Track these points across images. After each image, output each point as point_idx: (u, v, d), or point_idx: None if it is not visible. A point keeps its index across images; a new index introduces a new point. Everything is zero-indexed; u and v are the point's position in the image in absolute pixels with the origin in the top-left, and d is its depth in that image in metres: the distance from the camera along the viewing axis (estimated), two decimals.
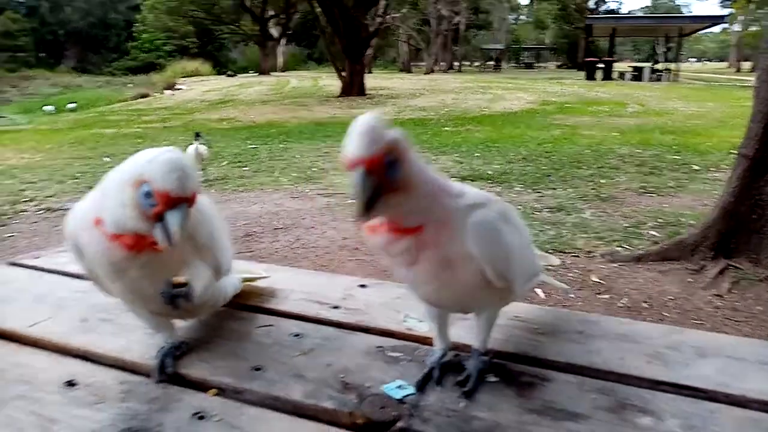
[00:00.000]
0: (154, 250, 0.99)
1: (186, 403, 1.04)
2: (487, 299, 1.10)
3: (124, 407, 1.03)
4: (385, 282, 1.64)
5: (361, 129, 0.90)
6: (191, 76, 38.37)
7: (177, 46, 52.95)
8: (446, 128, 13.14)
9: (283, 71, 44.87)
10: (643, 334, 1.29)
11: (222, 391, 1.08)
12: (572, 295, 4.22)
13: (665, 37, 35.66)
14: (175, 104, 21.81)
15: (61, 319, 1.39)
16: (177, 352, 1.19)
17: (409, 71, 49.04)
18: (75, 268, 1.69)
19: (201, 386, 1.10)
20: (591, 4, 56.78)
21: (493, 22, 60.81)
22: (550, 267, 1.75)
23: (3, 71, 50.57)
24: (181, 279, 1.04)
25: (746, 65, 52.83)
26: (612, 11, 66.14)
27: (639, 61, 55.31)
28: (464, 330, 1.28)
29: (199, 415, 1.00)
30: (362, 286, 1.58)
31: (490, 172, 8.29)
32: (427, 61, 49.32)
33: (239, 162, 9.73)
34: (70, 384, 1.11)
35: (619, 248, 5.18)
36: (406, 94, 21.82)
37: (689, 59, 75.72)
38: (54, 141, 13.19)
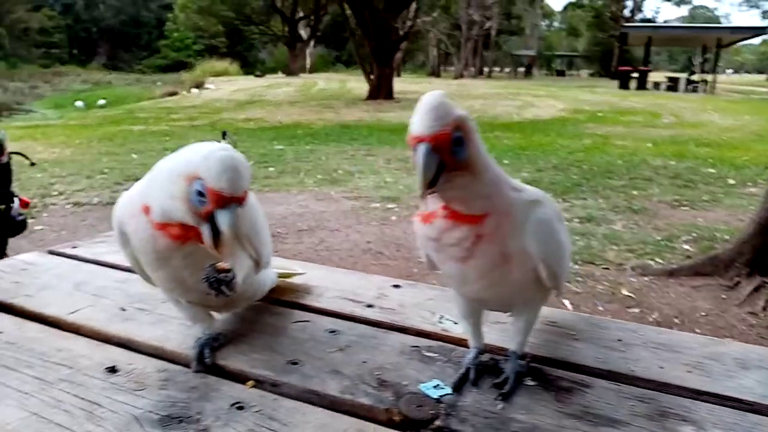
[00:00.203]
0: (198, 241, 1.00)
1: (224, 393, 1.06)
2: (532, 298, 1.10)
3: (164, 395, 1.05)
4: (418, 283, 1.65)
5: (427, 105, 0.88)
6: (220, 75, 38.90)
7: (207, 45, 53.84)
8: None
9: (311, 73, 45.21)
10: (683, 344, 1.27)
11: (259, 383, 1.09)
12: (601, 308, 4.17)
13: (703, 48, 35.04)
14: (203, 103, 22.12)
15: (100, 307, 1.42)
16: (215, 343, 1.20)
17: (437, 76, 49.06)
18: (113, 258, 1.75)
19: (239, 378, 1.12)
20: (626, 12, 56.01)
21: (525, 28, 60.44)
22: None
23: (37, 67, 51.96)
24: (224, 265, 1.05)
25: None
26: (648, 20, 65.20)
27: (674, 71, 54.44)
28: (497, 333, 1.28)
29: (238, 405, 1.01)
30: (396, 286, 1.59)
31: (519, 180, 8.22)
32: (456, 65, 49.26)
33: (265, 162, 9.81)
34: (112, 370, 1.13)
35: (651, 261, 5.10)
36: None
37: (726, 71, 74.21)
38: (83, 136, 13.48)
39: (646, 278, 4.73)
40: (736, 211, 6.77)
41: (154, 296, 1.43)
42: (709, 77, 32.07)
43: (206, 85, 30.84)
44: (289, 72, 40.64)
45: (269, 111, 18.69)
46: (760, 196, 5.06)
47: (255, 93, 25.31)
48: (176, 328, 1.30)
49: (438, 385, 1.07)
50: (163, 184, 0.99)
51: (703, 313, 4.13)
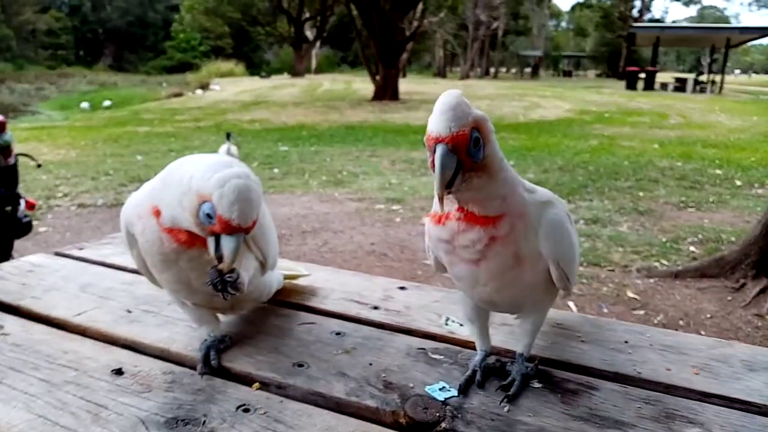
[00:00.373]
0: (204, 246, 1.01)
1: (230, 395, 1.06)
2: (542, 300, 1.09)
3: (170, 397, 1.05)
4: (424, 285, 1.65)
5: (445, 105, 0.88)
6: (225, 76, 39.02)
7: (212, 46, 54.02)
8: None
9: (317, 74, 45.29)
10: (690, 346, 1.26)
11: (265, 386, 1.09)
12: (606, 310, 4.15)
13: (711, 48, 34.88)
14: (208, 104, 22.20)
15: (106, 309, 1.42)
16: (221, 345, 1.20)
17: (443, 76, 49.05)
18: (119, 260, 1.75)
19: (245, 380, 1.12)
20: (635, 12, 55.85)
21: (532, 28, 60.31)
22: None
23: (43, 68, 52.23)
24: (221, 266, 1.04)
25: None
26: (656, 20, 64.96)
27: (682, 71, 54.22)
28: (504, 335, 1.28)
29: (244, 407, 1.01)
30: (401, 288, 1.58)
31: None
32: (462, 66, 49.22)
33: (269, 163, 9.84)
34: (118, 372, 1.13)
35: (657, 263, 5.08)
36: None
37: (734, 71, 73.82)
38: (89, 138, 13.54)
39: (651, 280, 4.72)
40: (743, 212, 6.74)
41: (160, 298, 1.43)
42: (717, 78, 31.92)
43: (211, 86, 30.95)
44: (295, 73, 40.71)
45: (274, 112, 18.73)
46: (767, 198, 5.03)
47: (260, 94, 25.37)
48: (182, 330, 1.30)
49: (444, 387, 1.07)
50: (176, 192, 0.98)
51: (709, 315, 4.12)
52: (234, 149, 8.14)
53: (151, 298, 1.46)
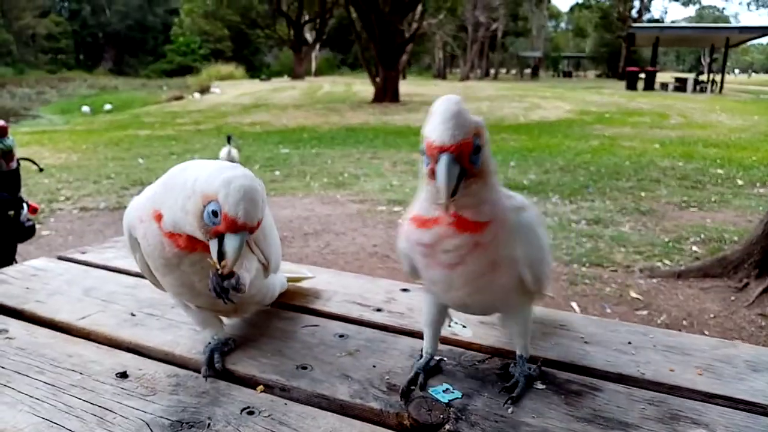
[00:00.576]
0: (205, 250, 1.01)
1: (235, 398, 1.06)
2: (516, 302, 1.09)
3: (175, 400, 1.05)
4: None
5: (448, 113, 0.87)
6: (225, 79, 39.06)
7: (212, 49, 54.12)
8: None
9: (316, 76, 45.36)
10: (693, 347, 1.27)
11: (269, 388, 1.10)
12: (609, 311, 4.15)
13: (711, 48, 34.86)
14: (209, 107, 22.23)
15: (110, 312, 1.43)
16: (224, 348, 1.21)
17: (443, 78, 49.08)
18: (122, 263, 1.75)
19: (249, 383, 1.12)
20: (634, 12, 55.87)
21: (531, 29, 60.33)
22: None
23: (44, 72, 52.36)
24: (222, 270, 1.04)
25: None
26: (656, 20, 64.99)
27: (682, 71, 54.22)
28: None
29: (248, 410, 1.02)
30: (404, 290, 1.59)
31: (525, 182, 8.22)
32: (462, 67, 49.26)
33: (270, 166, 9.85)
34: (122, 375, 1.13)
35: (659, 263, 5.08)
36: None
37: (734, 70, 73.79)
38: (90, 141, 13.57)
39: (654, 280, 4.72)
40: (745, 212, 6.74)
41: (163, 301, 1.44)
42: (717, 77, 31.91)
43: (212, 89, 30.98)
44: (295, 75, 40.75)
45: (275, 115, 18.76)
46: None
47: (260, 97, 25.41)
48: (186, 333, 1.31)
49: (448, 389, 1.07)
50: (178, 197, 0.99)
51: (712, 315, 4.11)
52: (235, 152, 8.16)
53: (154, 302, 1.46)
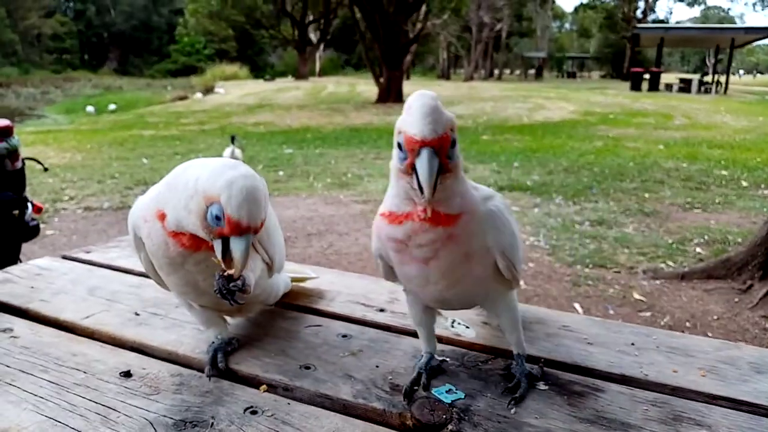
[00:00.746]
0: (209, 250, 1.01)
1: (238, 397, 1.06)
2: (494, 291, 1.09)
3: (179, 399, 1.06)
4: None
5: (426, 108, 0.88)
6: (229, 79, 39.12)
7: (217, 49, 54.23)
8: (484, 137, 13.08)
9: (320, 76, 45.38)
10: (697, 348, 1.26)
11: (272, 388, 1.10)
12: (612, 312, 4.14)
13: (716, 49, 34.76)
14: (213, 107, 22.27)
15: (114, 312, 1.43)
16: (228, 347, 1.21)
17: (447, 78, 49.06)
18: (126, 263, 1.76)
19: (252, 382, 1.12)
20: (638, 13, 55.74)
21: (535, 29, 60.25)
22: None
23: (49, 72, 52.58)
24: (231, 270, 1.04)
25: None
26: (660, 21, 64.83)
27: (687, 72, 54.07)
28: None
29: (252, 409, 1.02)
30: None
31: (529, 183, 8.20)
32: (466, 68, 49.22)
33: (274, 166, 9.85)
34: (126, 374, 1.14)
35: (663, 265, 5.07)
36: (444, 102, 21.37)
37: (739, 71, 73.50)
38: (94, 141, 13.60)
39: (657, 281, 4.70)
40: (749, 213, 6.72)
41: (167, 301, 1.44)
42: (722, 78, 31.82)
43: (216, 89, 31.03)
44: (299, 76, 40.79)
45: (278, 115, 18.78)
46: None
47: (264, 97, 25.44)
48: (190, 333, 1.31)
49: (450, 389, 1.07)
50: (181, 196, 0.99)
51: (716, 317, 4.10)
52: (238, 152, 8.17)
53: (158, 301, 1.47)
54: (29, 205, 3.48)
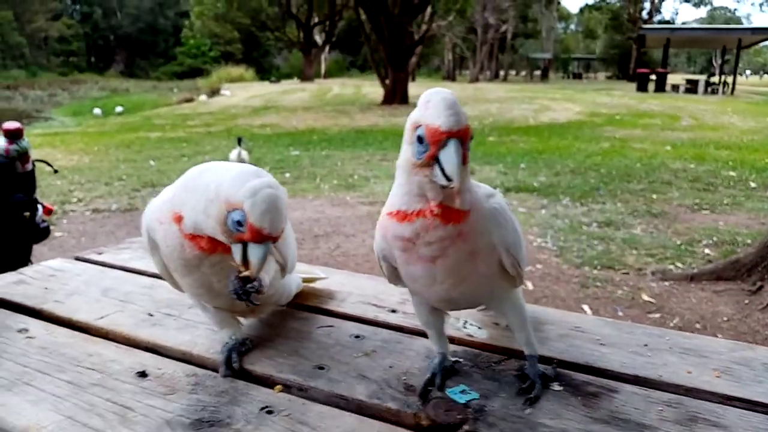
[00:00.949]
0: (225, 251, 1.02)
1: (253, 397, 1.07)
2: (498, 290, 1.09)
3: (194, 399, 1.06)
4: None
5: (448, 101, 0.88)
6: (235, 81, 39.25)
7: (222, 51, 54.43)
8: (490, 138, 13.07)
9: (326, 78, 45.44)
10: (710, 349, 1.26)
11: (287, 388, 1.10)
12: (621, 314, 4.13)
13: (722, 49, 34.61)
14: (219, 109, 22.33)
15: (128, 312, 1.44)
16: (242, 348, 1.22)
17: (453, 79, 49.04)
18: (138, 264, 1.77)
19: (267, 382, 1.13)
20: (644, 13, 55.59)
21: (541, 30, 60.16)
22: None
23: (56, 75, 52.90)
24: (246, 272, 1.05)
25: None
26: (666, 21, 64.62)
27: (693, 73, 53.86)
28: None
29: (267, 409, 1.02)
30: None
31: (536, 184, 8.19)
32: (471, 69, 49.20)
33: (281, 168, 9.87)
34: (142, 375, 1.14)
35: (671, 266, 5.05)
36: None
37: (746, 72, 73.14)
38: (101, 143, 13.66)
39: (666, 283, 4.69)
40: (758, 214, 6.68)
41: (180, 302, 1.45)
42: (729, 79, 31.68)
43: (222, 91, 31.13)
44: (304, 77, 40.86)
45: (284, 117, 18.81)
46: None
47: (270, 99, 25.49)
48: (203, 333, 1.32)
49: (465, 390, 1.08)
50: (200, 199, 0.99)
51: (726, 318, 4.08)
52: (245, 154, 8.19)
53: (171, 302, 1.47)
54: (40, 206, 3.51)
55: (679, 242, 5.65)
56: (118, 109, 24.68)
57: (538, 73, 59.31)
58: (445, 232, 0.93)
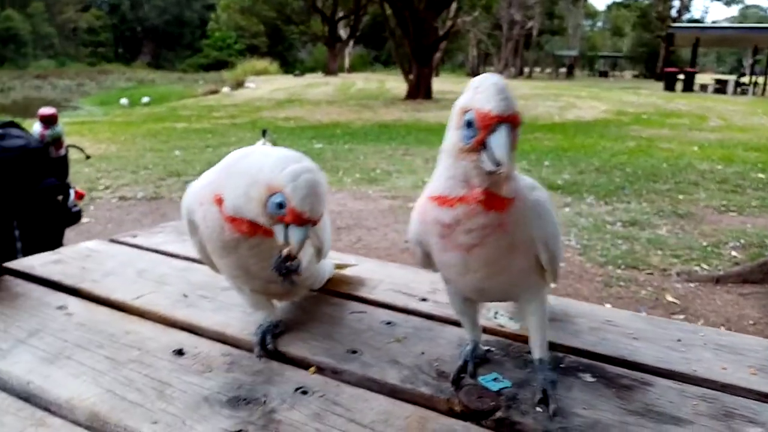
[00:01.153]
0: (265, 234, 1.04)
1: (288, 378, 1.08)
2: (532, 285, 1.08)
3: (231, 377, 1.08)
4: None
5: (499, 86, 0.87)
6: (260, 74, 39.46)
7: (248, 44, 54.76)
8: None
9: (350, 72, 45.47)
10: (746, 347, 1.25)
11: (321, 370, 1.12)
12: (644, 314, 4.08)
13: (753, 49, 33.90)
14: (244, 101, 22.47)
15: (163, 293, 1.47)
16: (276, 330, 1.23)
17: (477, 75, 48.70)
18: (172, 247, 1.80)
19: (300, 364, 1.14)
20: (673, 12, 54.65)
21: (567, 27, 59.50)
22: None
23: (84, 65, 53.74)
24: (287, 249, 1.04)
25: None
26: (696, 20, 63.47)
27: (722, 73, 52.85)
28: (554, 330, 1.27)
29: (302, 390, 1.04)
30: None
31: (560, 182, 8.12)
32: (496, 65, 48.84)
33: None
34: (179, 353, 1.17)
35: (697, 268, 4.98)
36: None
37: None
38: (128, 132, 13.84)
39: (691, 284, 4.63)
40: None
41: (214, 284, 1.47)
42: (759, 79, 31.04)
43: (246, 84, 31.33)
44: (328, 71, 40.92)
45: (308, 110, 18.87)
46: None
47: (294, 92, 25.59)
48: (237, 315, 1.34)
49: (497, 378, 1.08)
50: (240, 182, 1.01)
51: (752, 322, 4.02)
52: (269, 146, 8.25)
53: (205, 284, 1.50)
54: (72, 191, 3.57)
55: (705, 244, 5.56)
56: (145, 99, 25.00)
57: (563, 70, 58.64)
58: (486, 220, 0.92)
